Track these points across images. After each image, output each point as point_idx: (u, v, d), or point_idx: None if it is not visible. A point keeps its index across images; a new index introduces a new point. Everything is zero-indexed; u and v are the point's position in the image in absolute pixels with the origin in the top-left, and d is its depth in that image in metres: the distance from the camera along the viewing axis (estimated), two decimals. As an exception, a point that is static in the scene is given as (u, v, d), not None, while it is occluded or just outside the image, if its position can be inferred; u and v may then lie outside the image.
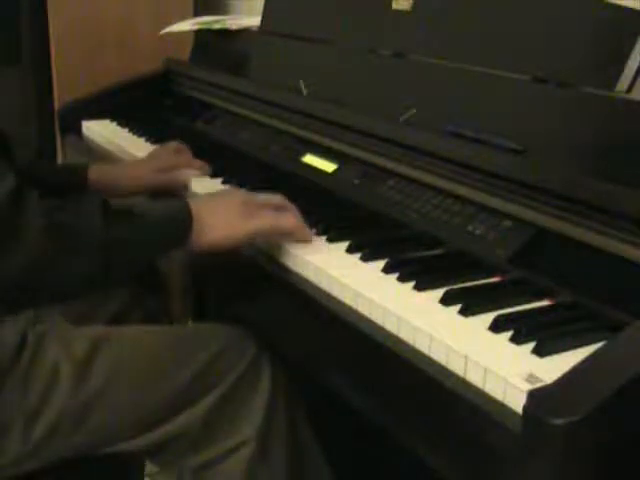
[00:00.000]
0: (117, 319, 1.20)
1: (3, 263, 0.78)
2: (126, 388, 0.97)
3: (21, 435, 0.92)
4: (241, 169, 1.29)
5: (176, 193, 1.24)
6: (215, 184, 1.24)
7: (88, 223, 0.84)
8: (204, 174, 1.28)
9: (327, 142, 1.26)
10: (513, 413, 0.65)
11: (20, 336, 0.94)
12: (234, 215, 0.95)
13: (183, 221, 0.92)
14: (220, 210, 0.95)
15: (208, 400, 1.00)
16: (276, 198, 1.00)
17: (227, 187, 1.22)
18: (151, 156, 1.35)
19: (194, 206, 0.93)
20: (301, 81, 1.40)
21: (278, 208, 0.98)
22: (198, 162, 1.30)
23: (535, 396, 0.63)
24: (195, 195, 1.21)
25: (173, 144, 1.35)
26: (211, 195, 1.04)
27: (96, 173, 1.26)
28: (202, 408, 0.99)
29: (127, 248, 0.88)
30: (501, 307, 0.80)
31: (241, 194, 1.02)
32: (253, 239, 0.97)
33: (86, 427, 0.95)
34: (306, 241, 0.97)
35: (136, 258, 0.91)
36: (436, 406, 0.74)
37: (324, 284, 0.89)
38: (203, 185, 1.23)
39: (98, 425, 0.96)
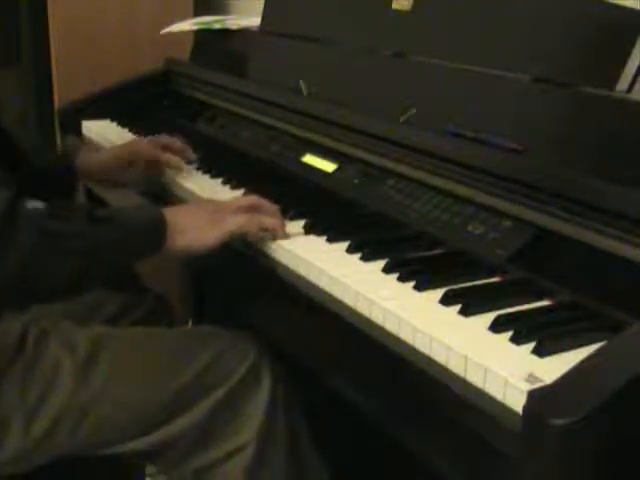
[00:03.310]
0: (116, 320, 1.20)
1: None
2: (126, 389, 0.97)
3: (21, 432, 0.92)
4: (241, 169, 1.29)
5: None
6: (215, 184, 1.24)
7: (76, 228, 0.87)
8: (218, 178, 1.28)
9: (327, 142, 1.26)
10: (513, 413, 0.65)
11: (21, 331, 0.95)
12: (204, 221, 0.97)
13: (158, 226, 0.94)
14: (191, 216, 0.98)
15: (208, 403, 0.99)
16: (247, 200, 1.03)
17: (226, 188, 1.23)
18: (125, 144, 1.38)
19: (166, 213, 0.95)
20: (301, 81, 1.40)
21: (251, 209, 1.00)
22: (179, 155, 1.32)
23: (535, 396, 0.63)
24: (191, 192, 1.21)
25: (164, 139, 1.36)
26: (182, 206, 1.07)
27: (83, 163, 1.29)
28: (202, 411, 0.99)
29: (108, 251, 0.90)
30: (501, 307, 0.80)
31: (212, 202, 1.06)
32: (225, 242, 0.98)
33: (86, 426, 0.95)
34: (277, 235, 0.99)
35: (115, 261, 0.93)
36: (436, 406, 0.74)
37: (324, 284, 0.89)
38: (201, 184, 1.23)
39: (98, 424, 0.96)
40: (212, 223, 0.97)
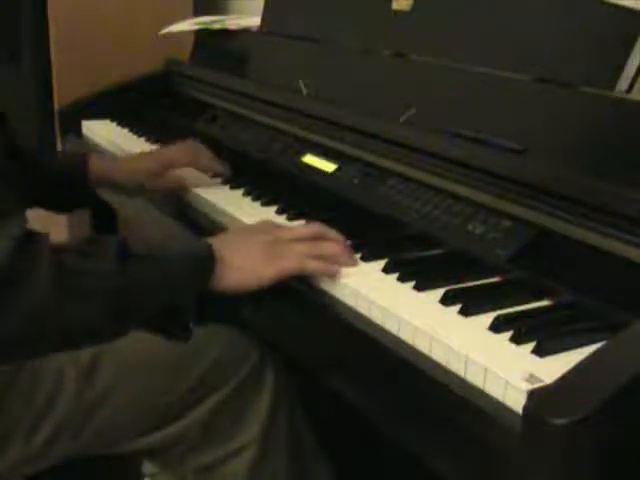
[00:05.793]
0: None
1: (5, 312, 0.71)
2: (129, 392, 0.97)
3: (23, 440, 0.92)
4: (241, 169, 1.29)
5: (174, 194, 1.23)
6: (214, 184, 1.24)
7: (100, 267, 0.77)
8: (218, 178, 1.22)
9: (327, 142, 1.26)
10: (513, 413, 0.65)
11: None
12: (259, 254, 0.87)
13: (203, 267, 0.85)
14: (245, 249, 0.87)
15: (210, 403, 1.00)
16: (309, 229, 0.92)
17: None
18: (157, 152, 1.30)
19: (216, 247, 0.86)
20: (301, 81, 1.40)
21: (313, 239, 0.90)
22: (215, 164, 1.24)
23: (535, 396, 0.63)
24: (193, 194, 1.21)
25: (189, 143, 1.27)
26: (235, 234, 0.95)
27: (96, 164, 1.23)
28: (204, 411, 0.99)
29: (143, 292, 0.81)
30: (501, 307, 0.80)
31: (268, 227, 0.93)
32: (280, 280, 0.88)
33: (88, 431, 0.95)
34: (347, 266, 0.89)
35: (151, 304, 0.83)
36: (436, 406, 0.74)
37: (323, 284, 0.89)
38: (200, 184, 1.23)
39: (100, 429, 0.96)
40: (268, 258, 0.86)
